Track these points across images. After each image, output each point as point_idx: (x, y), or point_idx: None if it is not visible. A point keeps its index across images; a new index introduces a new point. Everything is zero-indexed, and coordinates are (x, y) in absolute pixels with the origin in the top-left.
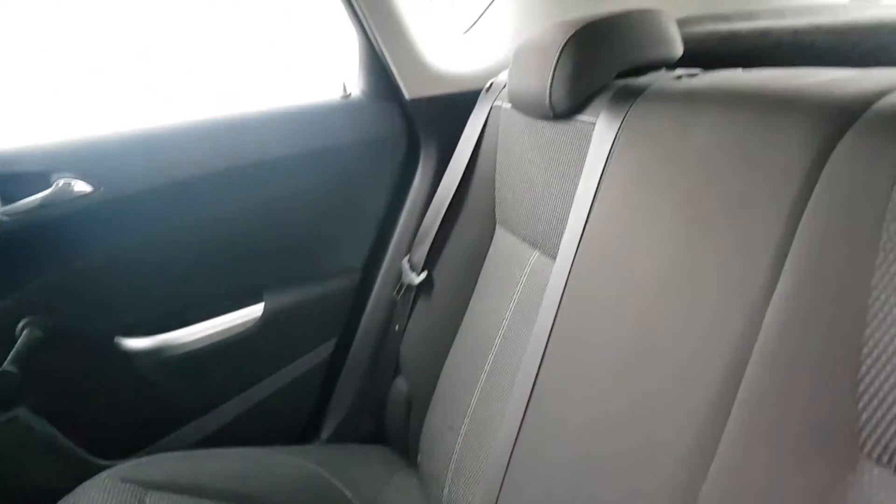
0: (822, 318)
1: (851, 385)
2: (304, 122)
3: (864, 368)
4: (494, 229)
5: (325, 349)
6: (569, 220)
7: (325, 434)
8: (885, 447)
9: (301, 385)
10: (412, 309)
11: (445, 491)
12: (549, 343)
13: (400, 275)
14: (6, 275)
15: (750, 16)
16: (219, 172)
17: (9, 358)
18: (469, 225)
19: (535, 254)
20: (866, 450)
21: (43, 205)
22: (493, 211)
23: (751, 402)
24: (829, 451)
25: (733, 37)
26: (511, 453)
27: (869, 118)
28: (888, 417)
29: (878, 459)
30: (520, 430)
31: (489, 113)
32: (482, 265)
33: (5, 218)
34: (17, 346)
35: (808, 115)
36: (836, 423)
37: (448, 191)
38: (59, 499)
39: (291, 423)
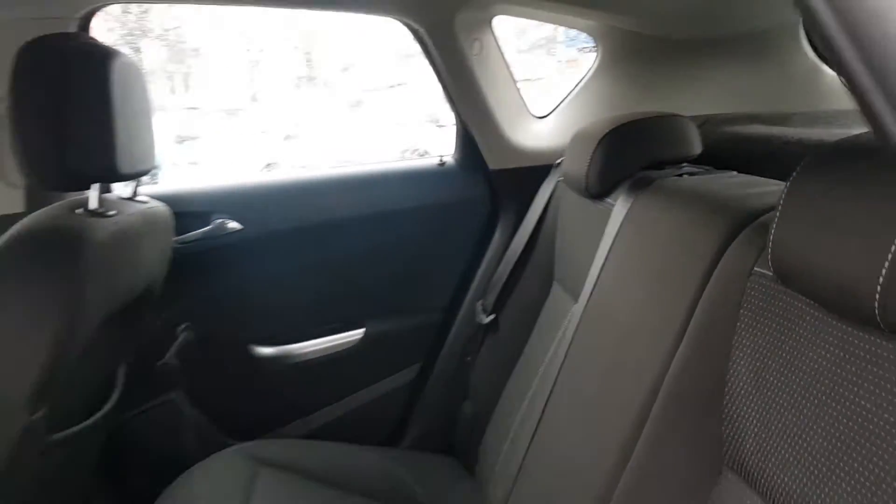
0: (704, 366)
1: (718, 413)
2: (409, 183)
3: (725, 400)
4: (552, 284)
5: (411, 371)
6: (586, 281)
7: (406, 441)
8: (736, 459)
9: (390, 398)
10: (482, 344)
11: (498, 494)
12: (561, 371)
13: (474, 315)
14: (174, 289)
15: (784, 119)
16: (339, 221)
17: (169, 352)
18: (532, 279)
19: (574, 305)
20: (726, 460)
21: (204, 237)
22: (552, 269)
23: (659, 420)
24: (704, 458)
25: (745, 140)
26: (521, 463)
27: (752, 227)
28: (740, 437)
29: (732, 468)
30: (528, 447)
31: (555, 186)
32: (539, 313)
33: (178, 246)
34: (176, 344)
35: (719, 219)
36: (709, 438)
37: (517, 249)
38: (197, 463)
39: (380, 428)
